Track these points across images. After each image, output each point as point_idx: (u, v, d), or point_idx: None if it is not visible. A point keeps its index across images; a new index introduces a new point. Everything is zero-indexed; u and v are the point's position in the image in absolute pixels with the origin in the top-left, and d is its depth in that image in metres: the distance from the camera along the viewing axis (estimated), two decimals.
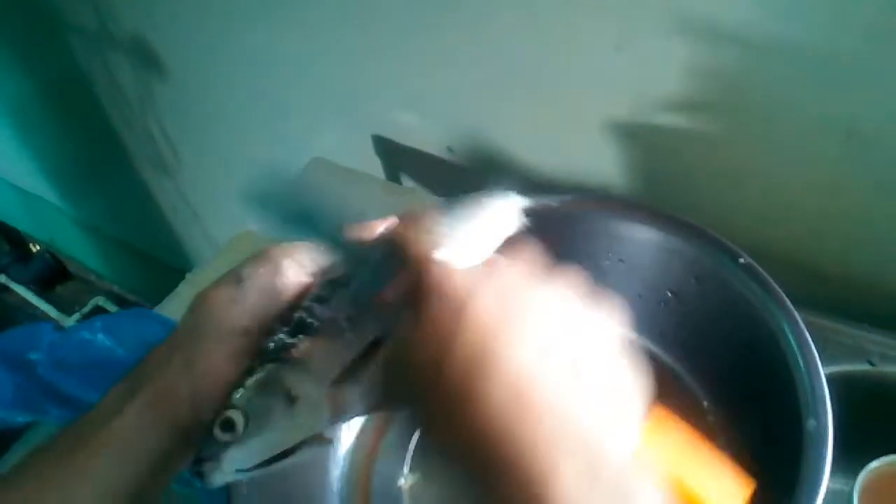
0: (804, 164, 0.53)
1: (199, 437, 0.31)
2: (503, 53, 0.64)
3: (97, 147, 1.23)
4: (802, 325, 0.42)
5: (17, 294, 1.78)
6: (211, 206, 1.15)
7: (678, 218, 0.52)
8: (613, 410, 0.26)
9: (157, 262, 1.39)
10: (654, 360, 0.54)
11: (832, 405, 0.39)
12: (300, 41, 0.78)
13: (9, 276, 1.78)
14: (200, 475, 0.30)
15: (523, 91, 0.66)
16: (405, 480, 0.52)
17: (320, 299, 0.34)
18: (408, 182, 0.82)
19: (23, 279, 1.79)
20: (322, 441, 0.33)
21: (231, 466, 0.30)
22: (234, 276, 0.35)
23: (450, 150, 0.74)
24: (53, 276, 1.79)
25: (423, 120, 0.74)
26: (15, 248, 1.80)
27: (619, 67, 0.57)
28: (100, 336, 0.55)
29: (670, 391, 0.52)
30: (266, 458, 0.31)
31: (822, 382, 0.40)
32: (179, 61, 0.94)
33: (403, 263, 0.29)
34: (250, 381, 0.32)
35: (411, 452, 0.53)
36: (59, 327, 0.55)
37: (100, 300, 1.67)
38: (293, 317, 0.33)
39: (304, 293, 0.35)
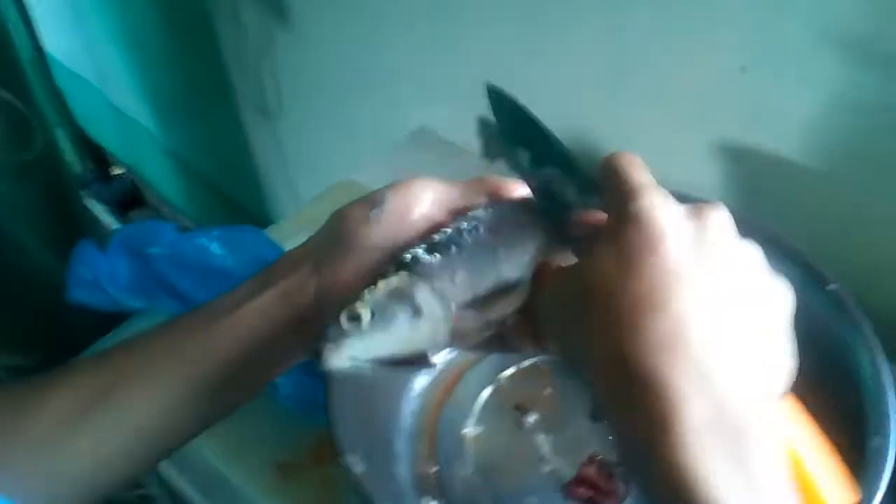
0: None
1: (323, 324, 0.34)
2: (626, 57, 0.67)
3: (204, 80, 1.28)
4: (878, 348, 0.44)
5: (92, 213, 1.87)
6: (304, 158, 1.20)
7: (778, 234, 0.53)
8: (762, 376, 0.26)
9: (235, 204, 1.45)
10: None
11: None
12: (429, 10, 0.81)
13: (89, 193, 1.86)
14: (318, 354, 0.33)
15: (637, 95, 0.68)
16: (470, 430, 0.55)
17: (460, 231, 0.36)
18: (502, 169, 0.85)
19: (101, 198, 1.87)
20: (428, 364, 0.36)
21: (347, 354, 0.33)
22: (373, 198, 0.38)
23: None
24: (130, 200, 1.87)
25: (533, 110, 0.76)
26: (99, 167, 1.89)
27: (741, 88, 0.60)
28: (215, 244, 0.60)
29: None
30: (379, 356, 0.34)
31: (890, 401, 0.42)
32: (305, 13, 0.99)
33: (611, 185, 0.30)
34: (382, 283, 0.34)
35: (479, 406, 0.57)
36: (181, 228, 0.60)
37: None
38: (433, 238, 0.36)
39: (434, 228, 0.37)
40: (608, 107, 0.71)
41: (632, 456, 0.26)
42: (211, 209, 1.60)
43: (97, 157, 1.87)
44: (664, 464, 0.24)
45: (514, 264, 0.35)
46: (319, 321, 0.36)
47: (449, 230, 0.36)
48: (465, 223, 0.36)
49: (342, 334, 0.33)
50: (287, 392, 0.54)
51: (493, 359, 0.59)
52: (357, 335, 0.33)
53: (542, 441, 0.54)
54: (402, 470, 0.51)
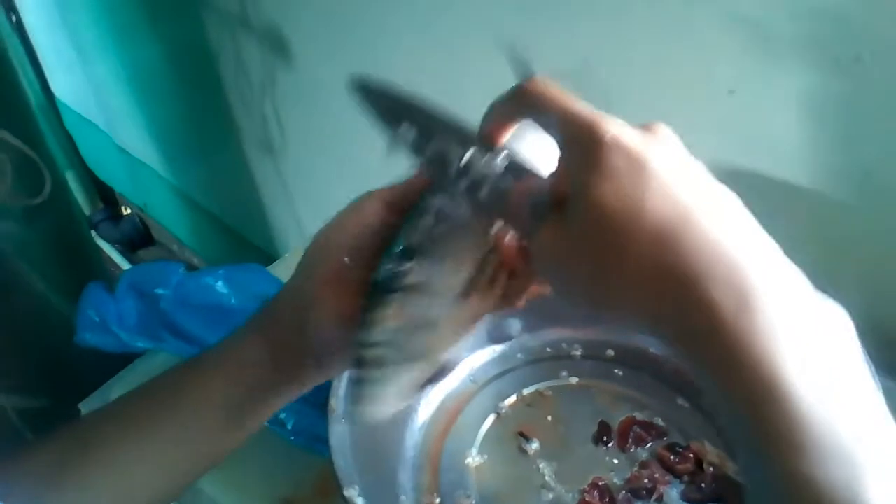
0: None
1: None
2: (615, 81, 0.68)
3: (208, 120, 1.31)
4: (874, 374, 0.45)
5: (103, 251, 1.89)
6: (308, 193, 1.22)
7: None
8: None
9: (242, 240, 1.46)
10: None
11: None
12: (425, 45, 0.83)
13: (99, 233, 1.89)
14: (359, 415, 0.33)
15: (627, 119, 0.69)
16: (472, 460, 0.56)
17: (421, 213, 0.36)
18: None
19: (111, 238, 1.89)
20: (448, 370, 0.36)
21: (387, 399, 0.33)
22: (328, 222, 0.41)
23: None
24: (139, 239, 1.89)
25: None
26: (108, 208, 1.91)
27: (730, 111, 0.61)
28: (220, 283, 0.61)
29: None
30: (413, 383, 0.34)
31: None
32: (306, 52, 1.01)
33: (564, 122, 0.29)
34: (379, 315, 0.33)
35: (482, 435, 0.57)
36: (187, 268, 0.61)
37: None
38: (396, 246, 0.35)
39: (387, 229, 0.38)
40: None
41: (709, 357, 0.25)
42: (219, 245, 1.62)
43: (107, 197, 1.90)
44: (744, 356, 0.24)
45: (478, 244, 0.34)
46: (305, 347, 0.38)
47: (408, 231, 0.36)
48: (418, 220, 0.36)
49: (372, 383, 0.33)
50: (292, 426, 0.54)
51: (495, 388, 0.60)
52: (386, 378, 0.33)
53: (545, 468, 0.54)
54: (406, 501, 0.52)
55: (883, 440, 0.24)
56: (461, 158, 0.32)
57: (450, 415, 0.58)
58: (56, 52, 1.60)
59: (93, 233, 1.88)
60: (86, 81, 1.59)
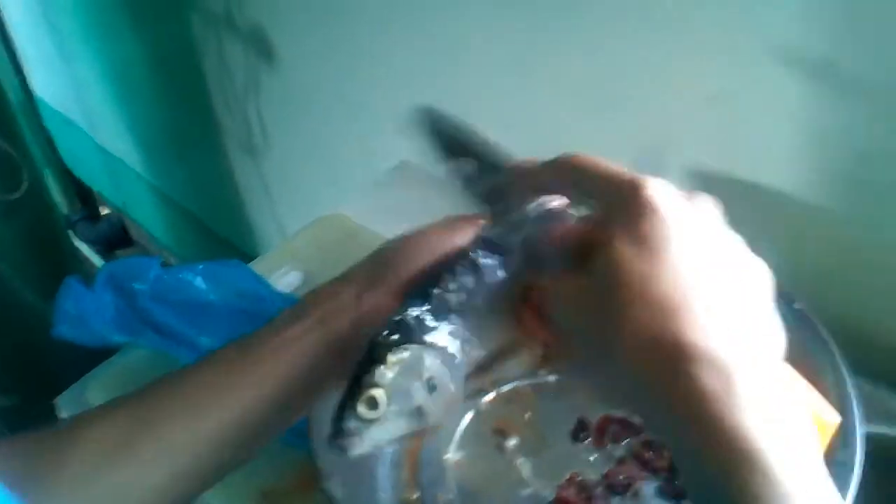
0: None
1: (339, 411, 0.33)
2: (603, 86, 0.69)
3: (190, 120, 1.31)
4: (846, 375, 0.46)
5: (80, 251, 1.87)
6: (289, 194, 1.22)
7: None
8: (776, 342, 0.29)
9: (222, 240, 1.46)
10: None
11: (863, 461, 0.42)
12: (411, 52, 0.84)
13: (76, 233, 1.87)
14: (341, 447, 0.32)
15: (615, 123, 0.70)
16: (451, 456, 0.56)
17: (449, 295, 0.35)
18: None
19: (88, 238, 1.88)
20: (434, 431, 0.36)
21: (369, 441, 0.32)
22: (416, 234, 0.40)
23: None
24: (117, 240, 1.88)
25: (512, 140, 0.79)
26: (86, 208, 1.90)
27: (711, 116, 0.62)
28: (198, 279, 0.61)
29: None
30: (399, 435, 0.33)
31: (855, 432, 0.43)
32: (290, 55, 1.01)
33: (599, 182, 0.31)
34: (392, 360, 0.33)
35: (460, 432, 0.58)
36: (165, 264, 0.61)
37: None
38: (430, 301, 0.35)
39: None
40: (587, 134, 0.73)
41: (679, 432, 0.27)
42: (198, 246, 1.61)
43: (85, 197, 1.88)
44: (723, 428, 0.25)
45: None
46: (355, 345, 0.36)
47: (443, 292, 0.35)
48: (454, 285, 0.35)
49: (363, 424, 0.32)
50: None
51: (473, 385, 0.60)
52: (377, 423, 0.32)
53: (523, 464, 0.55)
54: (384, 496, 0.52)
55: None
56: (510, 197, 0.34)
57: None
58: (37, 49, 1.59)
59: (70, 233, 1.86)
60: (66, 79, 1.58)
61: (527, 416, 0.58)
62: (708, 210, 0.31)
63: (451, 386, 0.33)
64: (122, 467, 0.37)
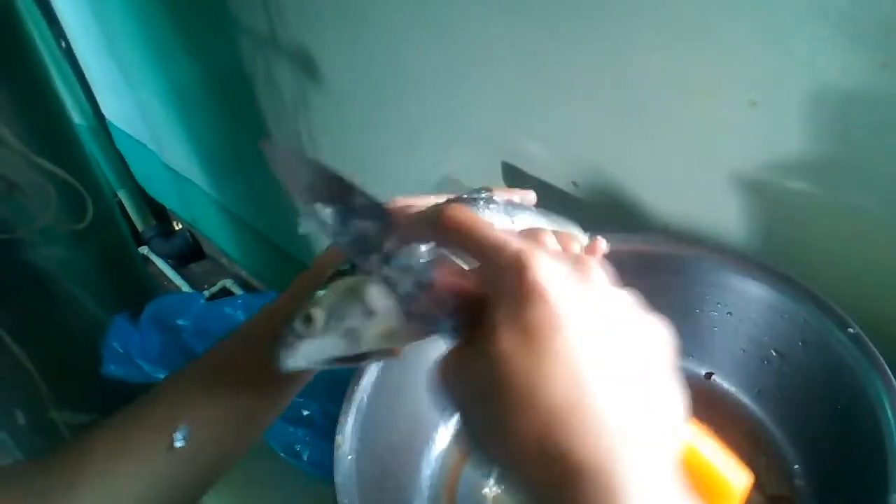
0: None
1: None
2: (637, 94, 0.66)
3: (246, 138, 1.33)
4: None
5: (155, 266, 1.95)
6: None
7: (793, 279, 0.52)
8: (666, 424, 0.27)
9: (283, 252, 1.48)
10: (748, 416, 0.54)
11: None
12: (446, 67, 0.83)
13: (151, 248, 1.95)
14: (276, 358, 0.34)
15: (650, 131, 0.67)
16: (490, 490, 0.55)
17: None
18: None
19: (163, 253, 1.95)
20: (391, 355, 0.36)
21: (303, 356, 0.34)
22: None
23: (574, 184, 0.76)
24: (190, 254, 1.94)
25: (550, 152, 0.77)
26: (160, 224, 1.97)
27: (752, 122, 0.58)
28: (239, 313, 0.62)
29: (761, 449, 0.53)
30: (335, 356, 0.34)
31: None
32: (335, 72, 1.02)
33: (481, 254, 0.29)
34: (336, 283, 0.34)
35: None
36: (206, 299, 0.62)
37: (227, 282, 1.80)
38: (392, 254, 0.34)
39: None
40: (622, 145, 0.71)
41: None
42: (263, 259, 1.64)
43: (158, 214, 1.95)
44: None
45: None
46: None
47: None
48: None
49: (298, 338, 0.34)
50: (307, 458, 0.55)
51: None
52: (311, 338, 0.33)
53: None
54: None
55: None
56: (383, 247, 0.32)
57: None
58: (105, 76, 1.65)
59: (146, 248, 1.94)
60: (133, 103, 1.64)
61: None
62: (597, 279, 0.28)
63: (391, 316, 0.33)
64: (123, 472, 0.39)
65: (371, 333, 0.33)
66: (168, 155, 1.68)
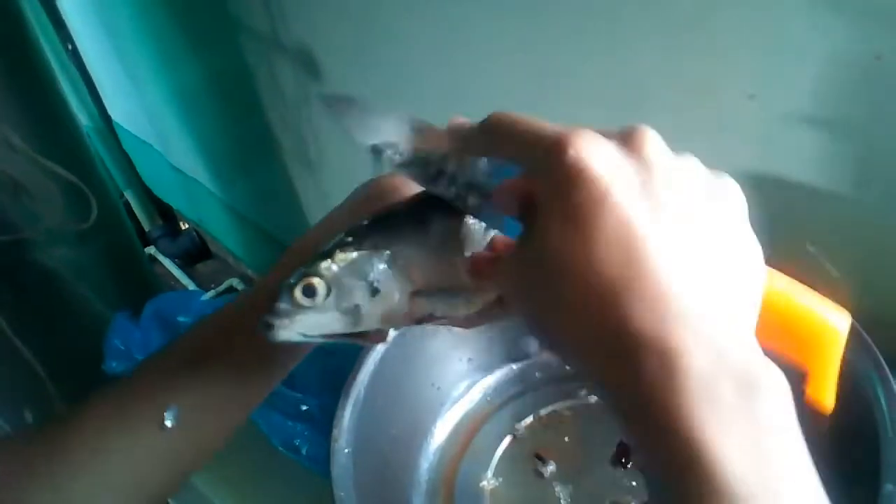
0: None
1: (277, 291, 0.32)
2: (635, 89, 0.66)
3: (251, 138, 1.34)
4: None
5: (163, 266, 1.96)
6: None
7: (787, 270, 0.52)
8: (744, 296, 0.25)
9: None
10: None
11: None
12: (448, 65, 0.83)
13: (158, 248, 1.96)
14: (268, 327, 0.32)
15: (651, 125, 0.68)
16: (488, 483, 0.55)
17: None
18: None
19: (170, 253, 1.96)
20: (380, 338, 0.35)
21: (298, 329, 0.32)
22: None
23: None
24: (197, 253, 1.95)
25: None
26: (167, 224, 1.98)
27: (751, 115, 0.58)
28: None
29: None
30: (331, 332, 0.32)
31: None
32: (337, 70, 1.02)
33: (522, 145, 0.27)
34: (341, 257, 0.32)
35: (497, 458, 0.57)
36: (205, 296, 0.63)
37: (234, 281, 1.81)
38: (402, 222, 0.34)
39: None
40: None
41: (633, 425, 0.24)
42: (269, 258, 1.65)
43: (165, 214, 1.96)
44: (666, 425, 0.22)
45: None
46: None
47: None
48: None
49: (295, 310, 0.32)
50: (306, 452, 0.55)
51: (512, 408, 0.59)
52: (311, 311, 0.32)
53: (561, 491, 0.54)
54: None
55: None
56: (447, 169, 0.32)
57: (465, 436, 0.58)
58: (111, 78, 1.66)
59: (153, 248, 1.95)
60: (139, 105, 1.65)
61: (566, 440, 0.57)
62: (649, 145, 0.26)
63: (395, 295, 0.32)
64: (113, 449, 0.39)
65: (372, 313, 0.32)
66: (174, 155, 1.69)
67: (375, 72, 0.96)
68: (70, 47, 1.60)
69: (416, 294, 0.33)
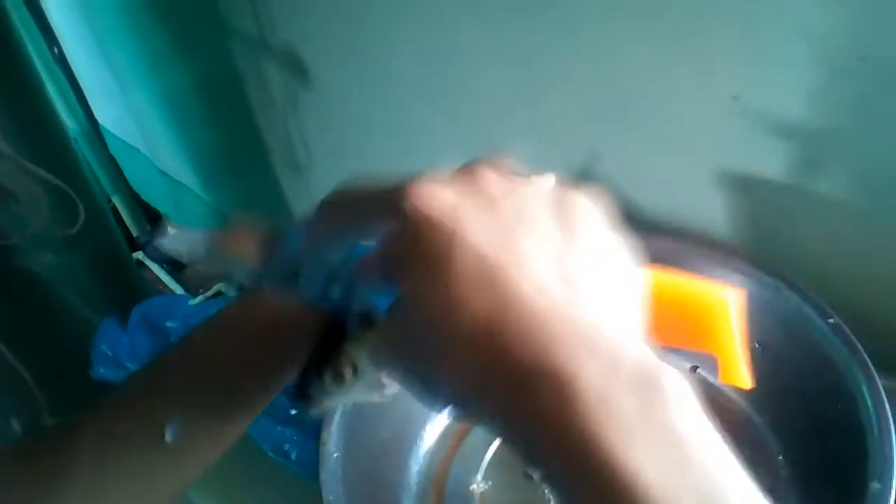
0: None
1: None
2: (622, 92, 0.67)
3: (239, 142, 1.34)
4: (882, 390, 0.43)
5: (151, 271, 1.95)
6: None
7: (774, 269, 0.53)
8: (623, 299, 0.25)
9: None
10: (732, 409, 0.55)
11: None
12: (437, 67, 0.83)
13: (146, 253, 1.95)
14: (301, 407, 0.35)
15: (638, 127, 0.68)
16: (477, 486, 0.55)
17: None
18: None
19: (158, 258, 1.95)
20: (383, 397, 0.36)
21: (329, 405, 0.35)
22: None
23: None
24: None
25: (540, 150, 0.77)
26: (154, 229, 1.97)
27: (735, 117, 0.59)
28: None
29: (746, 441, 0.53)
30: (362, 401, 0.35)
31: (892, 447, 0.40)
32: (325, 73, 1.02)
33: (364, 210, 0.27)
34: (368, 336, 0.33)
35: (487, 461, 0.57)
36: (193, 301, 0.62)
37: (221, 286, 1.80)
38: None
39: None
40: (609, 142, 0.71)
41: (538, 457, 0.23)
42: None
43: (153, 218, 1.95)
44: (572, 449, 0.21)
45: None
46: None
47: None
48: None
49: (328, 394, 0.34)
50: (295, 457, 0.55)
51: None
52: (341, 391, 0.34)
53: (551, 494, 0.53)
54: None
55: None
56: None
57: (455, 439, 0.58)
58: (98, 83, 1.65)
59: (141, 254, 1.94)
60: (126, 109, 1.64)
61: None
62: (489, 181, 0.25)
63: (367, 370, 0.34)
64: (110, 467, 0.38)
65: (363, 388, 0.34)
66: (161, 160, 1.68)
67: (364, 74, 0.96)
68: (56, 51, 1.59)
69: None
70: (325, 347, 0.34)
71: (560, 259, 0.24)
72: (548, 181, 0.27)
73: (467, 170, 0.26)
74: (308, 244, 0.31)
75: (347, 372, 0.33)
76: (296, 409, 0.35)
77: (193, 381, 0.39)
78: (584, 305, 0.23)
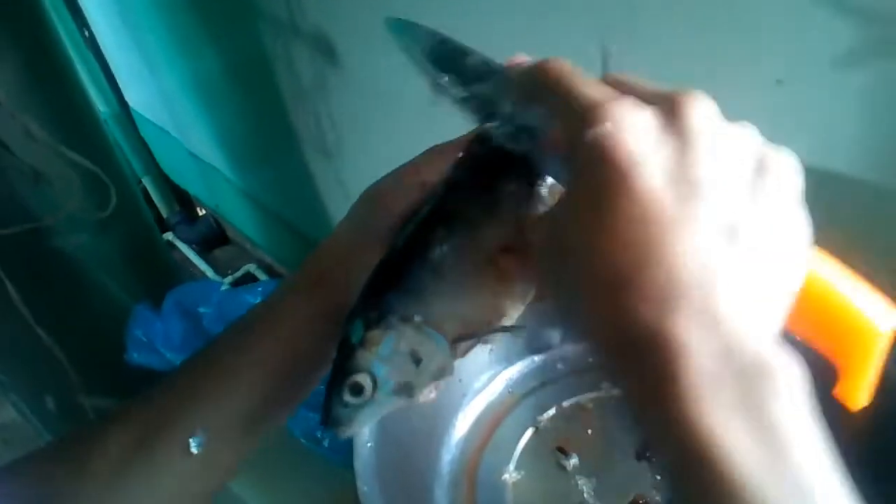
0: None
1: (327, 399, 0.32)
2: (662, 77, 0.65)
3: (269, 125, 1.34)
4: None
5: (181, 252, 1.97)
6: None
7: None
8: (773, 281, 0.24)
9: (306, 237, 1.49)
10: None
11: None
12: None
13: (176, 234, 1.96)
14: (333, 433, 0.32)
15: None
16: (510, 475, 0.55)
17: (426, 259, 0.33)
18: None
19: (187, 239, 1.96)
20: (446, 376, 0.34)
21: (362, 422, 0.32)
22: (401, 169, 0.40)
23: None
24: (214, 239, 1.96)
25: None
26: (184, 210, 1.98)
27: (779, 101, 0.57)
28: (259, 299, 0.62)
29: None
30: (394, 408, 0.33)
31: None
32: (354, 56, 1.01)
33: (557, 106, 0.26)
34: (374, 342, 0.32)
35: (519, 450, 0.56)
36: (226, 287, 0.62)
37: (251, 267, 1.81)
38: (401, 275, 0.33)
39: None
40: None
41: (642, 418, 0.23)
42: (286, 244, 1.65)
43: (183, 200, 1.96)
44: (673, 420, 0.21)
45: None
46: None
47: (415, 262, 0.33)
48: (431, 250, 0.33)
49: (350, 410, 0.32)
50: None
51: (534, 400, 0.59)
52: (366, 405, 0.32)
53: (584, 485, 0.53)
54: None
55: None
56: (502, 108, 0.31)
57: (487, 428, 0.57)
58: (128, 65, 1.66)
59: (171, 234, 1.96)
60: (156, 92, 1.65)
61: (589, 432, 0.56)
62: (694, 122, 0.24)
63: (437, 354, 0.32)
64: (137, 473, 0.38)
65: (423, 379, 0.33)
66: (191, 142, 1.69)
67: (393, 57, 0.95)
68: (87, 34, 1.60)
69: (455, 341, 0.32)
70: (340, 366, 0.33)
71: (730, 228, 0.23)
72: (755, 135, 0.26)
73: (679, 99, 0.25)
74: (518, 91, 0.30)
75: (363, 379, 0.32)
76: (326, 436, 0.33)
77: (219, 391, 0.38)
78: (727, 284, 0.23)
